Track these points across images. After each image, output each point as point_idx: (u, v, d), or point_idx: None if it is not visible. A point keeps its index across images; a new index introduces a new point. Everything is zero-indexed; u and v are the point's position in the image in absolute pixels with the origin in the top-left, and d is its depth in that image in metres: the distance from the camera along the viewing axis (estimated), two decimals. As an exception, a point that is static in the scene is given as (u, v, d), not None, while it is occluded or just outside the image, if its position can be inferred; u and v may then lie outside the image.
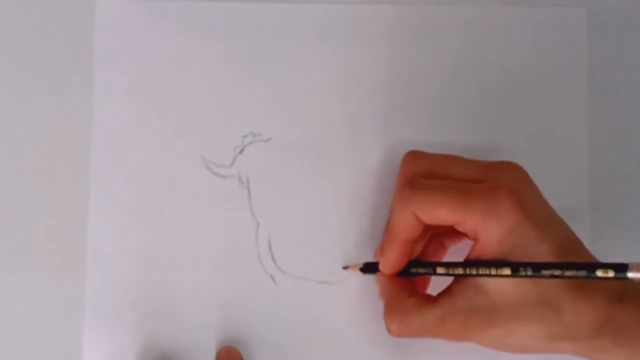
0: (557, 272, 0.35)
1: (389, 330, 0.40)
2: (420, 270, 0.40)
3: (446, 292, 0.39)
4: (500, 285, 0.37)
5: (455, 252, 0.41)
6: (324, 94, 0.43)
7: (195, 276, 0.42)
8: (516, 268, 0.36)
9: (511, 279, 0.37)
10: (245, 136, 0.43)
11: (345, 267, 0.43)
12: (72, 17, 0.43)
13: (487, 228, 0.37)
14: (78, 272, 0.42)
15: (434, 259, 0.41)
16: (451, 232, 0.41)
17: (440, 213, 0.38)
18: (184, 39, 0.43)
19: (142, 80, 0.43)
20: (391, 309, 0.40)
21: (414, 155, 0.41)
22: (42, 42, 0.43)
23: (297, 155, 0.43)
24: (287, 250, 0.43)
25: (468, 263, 0.38)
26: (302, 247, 0.43)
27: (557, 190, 0.39)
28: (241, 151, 0.43)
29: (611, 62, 0.44)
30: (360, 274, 0.42)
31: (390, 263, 0.40)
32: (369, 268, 0.42)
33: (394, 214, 0.39)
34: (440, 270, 0.39)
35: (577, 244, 0.38)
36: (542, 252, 0.36)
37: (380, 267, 0.41)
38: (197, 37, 0.43)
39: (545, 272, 0.36)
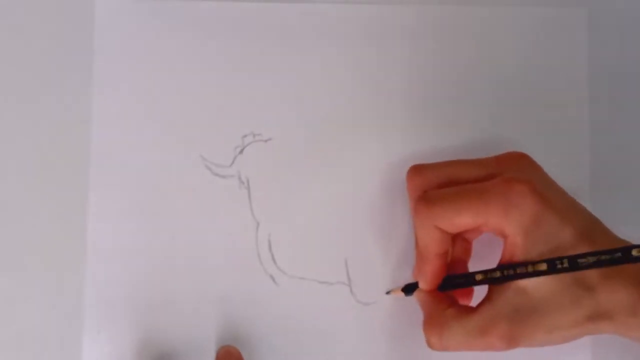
0: (592, 259, 0.35)
1: (429, 344, 0.39)
2: (459, 281, 0.40)
3: (485, 299, 0.38)
4: (537, 281, 0.36)
5: (491, 256, 0.40)
6: (324, 94, 0.43)
7: (195, 276, 0.42)
8: (552, 262, 0.36)
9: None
10: (245, 136, 0.43)
11: (388, 292, 0.42)
12: (72, 16, 0.43)
13: (511, 223, 0.37)
14: (78, 272, 0.42)
15: (463, 257, 0.41)
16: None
17: (462, 220, 0.37)
18: (184, 39, 0.43)
19: (142, 80, 0.43)
20: (430, 321, 0.39)
21: (418, 170, 0.41)
22: (42, 42, 0.43)
23: (297, 155, 0.43)
24: (287, 250, 0.43)
25: (504, 266, 0.37)
26: (302, 247, 0.43)
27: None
28: (241, 151, 0.43)
29: (612, 61, 0.44)
30: (402, 295, 0.41)
31: (428, 279, 0.40)
32: (410, 288, 0.41)
33: (418, 233, 0.39)
34: (478, 277, 0.38)
35: (599, 224, 0.38)
36: (566, 237, 0.36)
37: (420, 285, 0.40)
38: (197, 37, 0.43)
39: (582, 261, 0.35)
